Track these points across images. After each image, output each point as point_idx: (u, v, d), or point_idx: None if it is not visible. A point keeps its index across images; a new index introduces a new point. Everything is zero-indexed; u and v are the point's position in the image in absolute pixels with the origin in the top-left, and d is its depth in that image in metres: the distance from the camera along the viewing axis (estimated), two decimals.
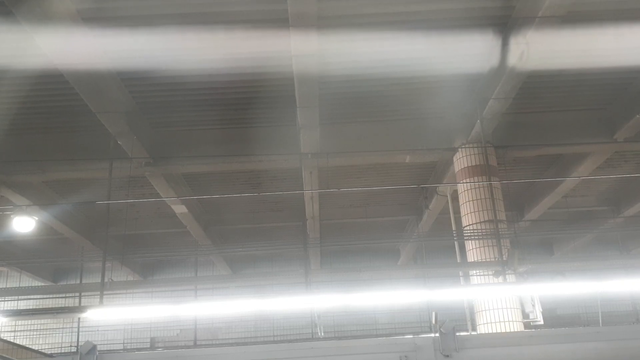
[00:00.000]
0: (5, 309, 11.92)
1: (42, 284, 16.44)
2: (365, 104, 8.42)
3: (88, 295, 14.36)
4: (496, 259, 7.68)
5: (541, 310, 7.35)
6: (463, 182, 8.57)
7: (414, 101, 8.42)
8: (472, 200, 8.36)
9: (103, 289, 7.27)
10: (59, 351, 15.92)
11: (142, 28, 6.27)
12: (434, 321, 7.20)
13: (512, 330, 7.47)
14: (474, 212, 8.31)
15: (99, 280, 7.72)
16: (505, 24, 6.63)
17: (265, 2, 6.02)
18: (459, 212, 8.72)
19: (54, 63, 6.26)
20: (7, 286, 16.29)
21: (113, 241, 13.62)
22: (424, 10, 6.32)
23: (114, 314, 7.06)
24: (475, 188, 8.37)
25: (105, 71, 6.90)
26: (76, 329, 15.94)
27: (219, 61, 7.02)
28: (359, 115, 8.78)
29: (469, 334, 8.56)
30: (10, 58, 6.70)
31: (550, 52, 6.95)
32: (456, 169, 8.85)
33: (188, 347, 15.83)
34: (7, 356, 9.70)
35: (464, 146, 8.67)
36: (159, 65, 7.01)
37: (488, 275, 7.80)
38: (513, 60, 6.68)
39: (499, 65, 7.04)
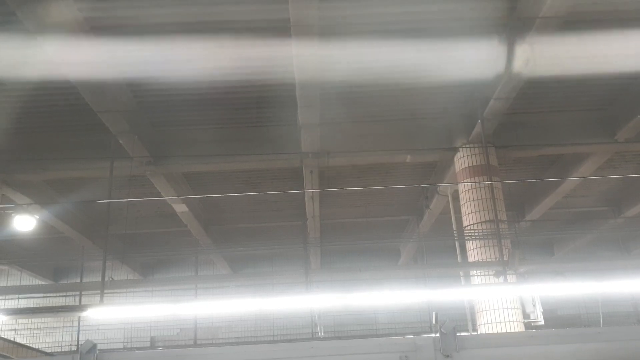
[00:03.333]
0: (6, 307, 11.92)
1: (43, 283, 16.45)
2: (366, 103, 8.41)
3: (88, 294, 14.39)
4: (497, 259, 7.68)
5: (542, 310, 7.35)
6: (464, 182, 8.56)
7: (415, 101, 8.41)
8: (473, 200, 8.36)
9: (103, 288, 7.27)
10: (59, 350, 15.93)
11: (144, 33, 6.30)
12: (434, 321, 7.21)
13: (512, 330, 7.46)
14: (475, 212, 8.30)
15: (99, 279, 7.72)
16: (505, 24, 6.62)
17: (267, 10, 6.06)
18: (460, 212, 8.72)
19: (57, 64, 6.28)
20: (8, 285, 16.30)
21: (113, 240, 13.63)
22: (424, 13, 6.33)
23: (114, 313, 7.06)
24: (476, 188, 8.36)
25: (108, 73, 6.91)
26: (76, 328, 15.95)
27: (221, 67, 7.05)
28: (360, 115, 8.78)
29: (469, 334, 8.56)
30: (13, 58, 6.70)
31: (552, 53, 6.94)
32: (457, 169, 8.84)
33: (188, 346, 15.83)
34: (7, 355, 9.70)
35: (464, 146, 8.67)
36: (162, 69, 7.04)
37: (489, 275, 7.80)
38: (515, 62, 6.67)
39: (500, 67, 7.03)
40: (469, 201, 8.41)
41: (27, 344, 13.52)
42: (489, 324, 7.66)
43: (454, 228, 10.09)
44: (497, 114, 7.91)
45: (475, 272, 8.07)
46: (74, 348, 15.71)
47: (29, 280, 16.50)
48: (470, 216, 8.36)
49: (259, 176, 10.95)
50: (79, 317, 15.76)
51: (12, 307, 13.60)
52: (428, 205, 11.75)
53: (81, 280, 14.74)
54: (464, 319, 9.53)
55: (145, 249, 14.93)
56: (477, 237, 8.09)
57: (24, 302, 13.72)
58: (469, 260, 8.27)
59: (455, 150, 8.81)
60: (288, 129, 8.90)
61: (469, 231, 8.26)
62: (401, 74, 7.47)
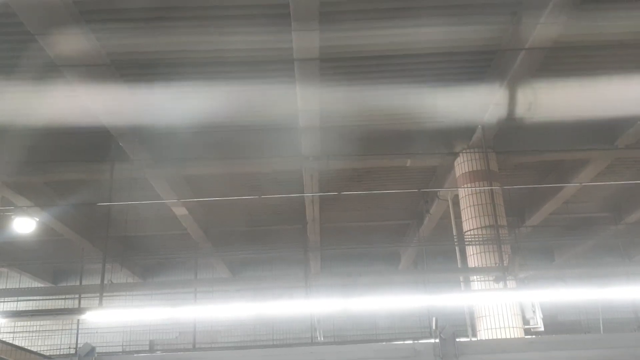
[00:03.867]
0: (5, 310, 11.90)
1: (42, 286, 16.43)
2: (366, 107, 8.42)
3: (88, 297, 14.34)
4: (497, 265, 7.67)
5: (542, 316, 7.34)
6: (464, 187, 8.55)
7: (416, 104, 8.41)
8: (473, 205, 8.35)
9: (103, 291, 7.26)
10: (58, 353, 15.90)
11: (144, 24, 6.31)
12: (434, 327, 7.19)
13: (512, 336, 7.44)
14: (475, 217, 8.29)
15: (98, 281, 7.71)
16: (494, 51, 6.76)
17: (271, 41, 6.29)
18: (460, 217, 8.71)
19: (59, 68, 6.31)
20: (7, 287, 16.27)
21: (113, 243, 13.61)
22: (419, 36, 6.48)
23: (113, 316, 7.04)
24: (476, 193, 8.36)
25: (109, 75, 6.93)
26: (75, 331, 15.91)
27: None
28: (360, 118, 8.77)
29: (469, 339, 8.54)
30: (14, 59, 6.72)
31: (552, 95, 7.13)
32: (457, 174, 8.84)
33: (187, 350, 15.79)
34: (6, 357, 9.67)
35: (465, 151, 8.66)
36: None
37: (489, 280, 7.79)
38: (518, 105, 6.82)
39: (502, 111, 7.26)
40: (469, 206, 8.40)
41: (26, 347, 13.49)
42: (488, 329, 7.64)
43: (454, 233, 10.07)
44: (497, 119, 7.91)
45: (475, 277, 8.05)
46: (72, 351, 15.68)
47: (28, 282, 16.47)
48: (470, 221, 8.35)
49: (259, 179, 10.94)
50: (78, 320, 15.72)
51: (11, 309, 13.58)
52: (428, 209, 11.74)
53: (80, 282, 14.73)
54: (463, 324, 9.50)
55: (144, 252, 14.91)
56: (477, 243, 8.08)
57: (23, 305, 13.70)
58: (469, 266, 8.26)
59: (455, 155, 8.80)
60: (289, 132, 8.90)
61: (469, 236, 8.25)
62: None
